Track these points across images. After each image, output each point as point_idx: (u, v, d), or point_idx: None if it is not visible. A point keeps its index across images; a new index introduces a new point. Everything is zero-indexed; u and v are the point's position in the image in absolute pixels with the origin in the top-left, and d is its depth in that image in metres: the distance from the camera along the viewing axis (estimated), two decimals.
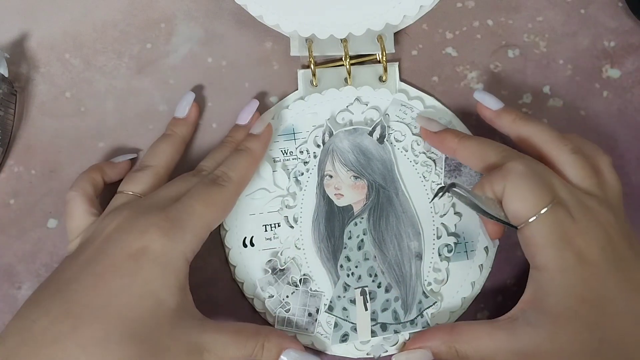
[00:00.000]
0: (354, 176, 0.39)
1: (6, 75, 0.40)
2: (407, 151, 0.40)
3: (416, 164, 0.39)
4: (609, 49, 0.42)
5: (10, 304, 0.39)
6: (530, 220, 0.32)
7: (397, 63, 0.41)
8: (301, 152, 0.40)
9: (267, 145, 0.39)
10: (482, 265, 0.39)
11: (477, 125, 0.41)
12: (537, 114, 0.41)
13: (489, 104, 0.38)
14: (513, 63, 0.42)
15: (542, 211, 0.32)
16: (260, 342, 0.34)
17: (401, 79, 0.41)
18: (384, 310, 0.38)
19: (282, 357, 0.35)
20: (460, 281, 0.38)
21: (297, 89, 0.41)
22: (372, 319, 0.38)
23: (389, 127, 0.40)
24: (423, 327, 0.38)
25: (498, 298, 0.39)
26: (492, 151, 0.35)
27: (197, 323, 0.33)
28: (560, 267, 0.31)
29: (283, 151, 0.40)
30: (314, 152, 0.40)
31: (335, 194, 0.39)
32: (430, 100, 0.41)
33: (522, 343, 0.32)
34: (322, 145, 0.40)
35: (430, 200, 0.38)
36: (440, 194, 0.34)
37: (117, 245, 0.33)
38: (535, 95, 0.41)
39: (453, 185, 0.33)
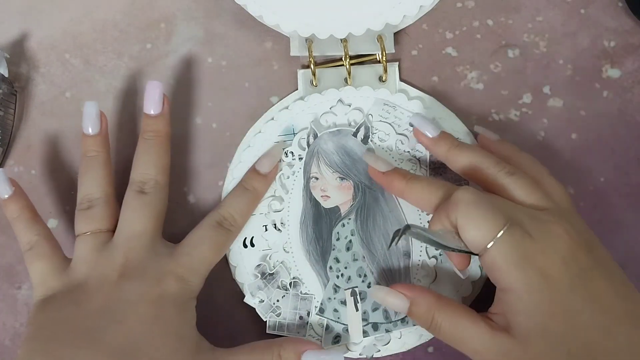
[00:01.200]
0: (340, 177, 0.39)
1: (6, 75, 0.40)
2: (391, 150, 0.40)
3: (401, 162, 0.39)
4: (609, 49, 0.42)
5: (10, 304, 0.40)
6: (488, 246, 0.32)
7: (397, 63, 0.41)
8: (286, 154, 0.40)
9: (270, 184, 0.39)
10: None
11: (477, 125, 0.41)
12: (537, 114, 0.41)
13: (425, 130, 0.37)
14: (513, 63, 0.42)
15: (499, 235, 0.31)
16: (275, 352, 0.35)
17: (401, 79, 0.41)
18: (374, 309, 0.38)
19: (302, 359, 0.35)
20: (459, 280, 0.38)
21: (297, 89, 0.41)
22: (363, 319, 0.38)
23: (372, 127, 0.40)
24: (414, 325, 0.38)
25: None
26: (436, 190, 0.35)
27: (211, 354, 0.35)
28: (525, 287, 0.31)
29: (283, 152, 0.40)
30: (299, 155, 0.40)
31: (321, 196, 0.39)
32: (430, 100, 0.41)
33: (496, 341, 0.32)
34: (307, 147, 0.40)
35: (388, 246, 0.38)
36: (397, 238, 0.33)
37: (133, 292, 0.34)
38: (535, 95, 0.41)
39: (408, 227, 0.33)
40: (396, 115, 0.40)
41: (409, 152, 0.39)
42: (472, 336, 0.32)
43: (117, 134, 0.41)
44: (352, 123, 0.40)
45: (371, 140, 0.39)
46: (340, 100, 0.40)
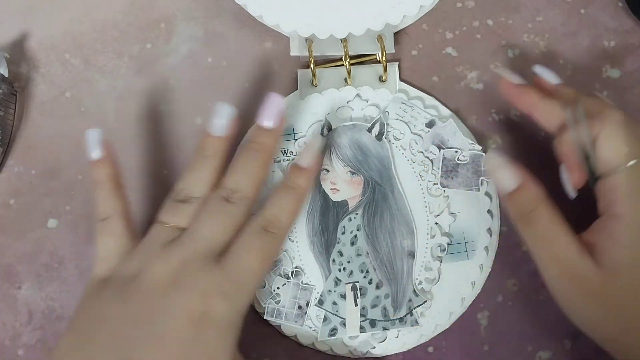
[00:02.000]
0: (351, 172, 0.39)
1: (6, 75, 0.40)
2: (405, 149, 0.40)
3: (413, 162, 0.39)
4: (609, 49, 0.42)
5: (10, 304, 0.39)
6: (620, 168, 0.32)
7: (397, 63, 0.41)
8: (299, 145, 0.40)
9: (313, 179, 0.37)
10: (482, 265, 0.39)
11: (477, 125, 0.41)
12: None
13: (549, 77, 0.37)
14: (513, 63, 0.42)
15: (633, 162, 0.32)
16: None
17: (401, 79, 0.41)
18: (373, 306, 0.38)
19: None
20: (459, 281, 0.39)
21: (297, 89, 0.41)
22: (361, 315, 0.38)
23: (388, 124, 0.40)
24: (412, 326, 0.38)
25: (498, 298, 0.39)
26: (574, 108, 0.34)
27: None
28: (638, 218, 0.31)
29: (283, 151, 0.40)
30: None
31: (331, 189, 0.39)
32: (430, 100, 0.41)
33: (579, 260, 0.32)
34: None
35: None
36: (577, 112, 0.33)
37: (178, 305, 0.31)
38: None
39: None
40: (413, 115, 0.40)
41: (422, 152, 0.39)
42: (562, 243, 0.32)
43: (118, 134, 0.41)
44: (368, 118, 0.40)
45: (385, 137, 0.40)
46: (358, 95, 0.40)
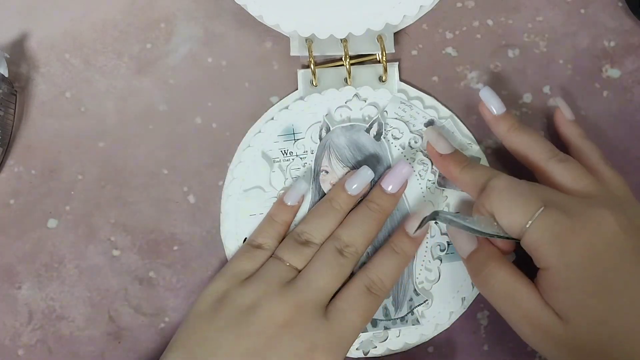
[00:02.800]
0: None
1: (6, 75, 0.40)
2: (403, 149, 0.40)
3: (413, 161, 0.39)
4: (609, 49, 0.42)
5: (10, 304, 0.40)
6: (526, 227, 0.32)
7: (397, 63, 0.41)
8: (298, 147, 0.40)
9: (419, 247, 0.38)
10: None
11: (477, 125, 0.41)
12: (537, 114, 0.41)
13: (492, 105, 0.38)
14: (513, 63, 0.42)
15: (535, 216, 0.32)
16: None
17: (401, 79, 0.41)
18: None
19: None
20: (459, 281, 0.39)
21: (297, 89, 0.41)
22: None
23: (386, 124, 0.40)
24: (413, 325, 0.38)
25: None
26: (481, 177, 0.35)
27: None
28: (564, 264, 0.31)
29: (283, 151, 0.40)
30: (311, 148, 0.40)
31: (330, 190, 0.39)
32: (430, 100, 0.41)
33: (545, 312, 0.32)
34: (319, 141, 0.40)
35: (414, 231, 0.37)
36: (424, 222, 0.34)
37: (287, 348, 0.33)
38: (535, 95, 0.41)
39: (436, 213, 0.34)
40: (412, 115, 0.40)
41: (421, 151, 0.39)
42: (524, 299, 0.33)
43: (118, 134, 0.41)
44: (367, 118, 0.40)
45: (384, 137, 0.39)
46: (356, 95, 0.40)
